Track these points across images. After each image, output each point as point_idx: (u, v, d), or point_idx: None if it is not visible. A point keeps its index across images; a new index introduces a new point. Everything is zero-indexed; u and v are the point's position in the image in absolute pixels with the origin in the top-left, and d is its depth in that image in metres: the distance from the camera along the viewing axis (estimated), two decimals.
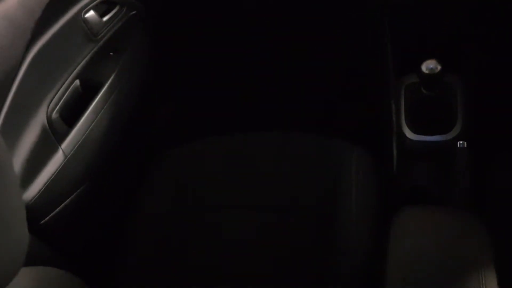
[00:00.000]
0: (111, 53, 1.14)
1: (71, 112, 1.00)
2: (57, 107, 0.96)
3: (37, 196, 0.87)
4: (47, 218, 0.91)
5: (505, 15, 1.17)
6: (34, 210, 0.87)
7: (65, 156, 0.95)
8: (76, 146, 0.98)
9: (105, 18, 1.07)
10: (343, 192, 1.00)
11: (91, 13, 1.02)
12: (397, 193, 1.16)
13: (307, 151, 1.11)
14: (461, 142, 1.08)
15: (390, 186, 1.17)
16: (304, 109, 1.46)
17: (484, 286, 0.66)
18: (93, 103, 1.03)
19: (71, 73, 0.99)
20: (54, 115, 0.95)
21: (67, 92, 0.99)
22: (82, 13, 1.00)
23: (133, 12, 1.17)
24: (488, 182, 0.96)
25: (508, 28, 1.21)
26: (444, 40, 1.19)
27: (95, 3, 1.03)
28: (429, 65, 1.05)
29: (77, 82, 1.03)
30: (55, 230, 0.94)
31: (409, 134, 1.16)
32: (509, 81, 1.29)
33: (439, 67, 1.04)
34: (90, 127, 1.02)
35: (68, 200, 0.97)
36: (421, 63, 1.06)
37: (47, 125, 0.92)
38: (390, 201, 1.12)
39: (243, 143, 1.15)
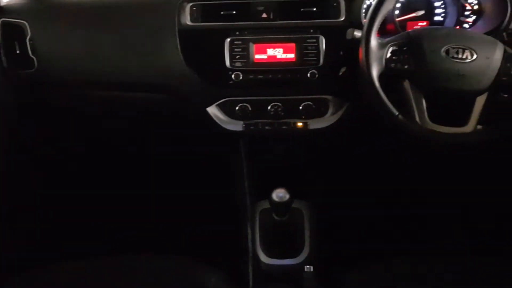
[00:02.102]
0: None
1: None
2: None
3: None
4: None
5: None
6: None
7: None
8: None
9: None
10: None
11: None
12: None
13: (165, 273, 1.09)
14: (308, 266, 1.17)
15: None
16: (164, 232, 1.46)
17: None
18: None
19: None
20: None
21: None
22: None
23: None
24: None
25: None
26: (294, 170, 1.34)
27: None
28: (278, 194, 1.16)
29: None
30: None
31: (263, 257, 1.22)
32: (353, 208, 1.48)
33: (287, 196, 1.15)
34: None
35: None
36: (272, 191, 1.16)
37: None
38: None
39: (100, 268, 1.09)
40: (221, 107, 1.22)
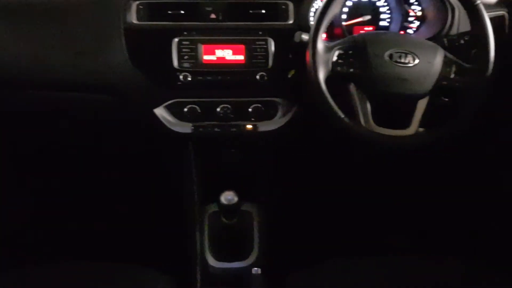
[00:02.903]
0: None
1: None
2: None
3: None
4: None
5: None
6: None
7: None
8: None
9: None
10: None
11: None
12: None
13: (111, 281, 1.05)
14: (255, 268, 1.16)
15: None
16: (109, 237, 1.42)
17: None
18: None
19: None
20: None
21: None
22: None
23: None
24: None
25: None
26: (243, 172, 1.34)
27: None
28: (227, 196, 1.14)
29: None
30: None
31: (211, 261, 1.21)
32: (302, 211, 1.49)
33: (236, 198, 1.14)
34: None
35: None
36: (221, 193, 1.15)
37: None
38: None
39: (44, 277, 1.05)
40: (169, 109, 1.19)
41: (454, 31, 1.19)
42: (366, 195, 1.57)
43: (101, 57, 1.15)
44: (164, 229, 1.42)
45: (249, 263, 1.20)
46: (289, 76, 1.17)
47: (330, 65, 1.02)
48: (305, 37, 1.08)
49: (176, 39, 1.13)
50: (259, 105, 1.20)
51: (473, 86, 1.02)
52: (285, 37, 1.14)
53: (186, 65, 1.14)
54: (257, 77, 1.16)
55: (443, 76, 1.02)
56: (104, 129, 1.38)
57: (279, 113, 1.22)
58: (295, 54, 1.13)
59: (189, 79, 1.14)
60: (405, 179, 1.57)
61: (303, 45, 1.07)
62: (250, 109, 1.19)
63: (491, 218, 1.41)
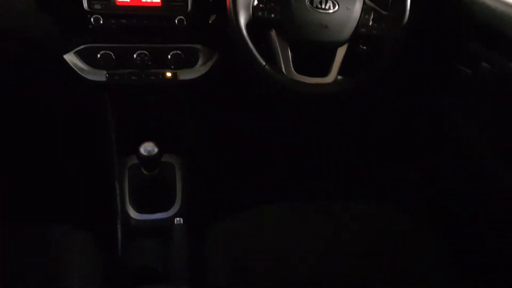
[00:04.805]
0: None
1: None
2: None
3: None
4: None
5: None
6: None
7: None
8: None
9: None
10: (66, 280, 0.92)
11: None
12: (124, 274, 1.14)
13: (24, 242, 0.99)
14: (178, 218, 1.15)
15: (116, 267, 1.14)
16: (22, 194, 1.34)
17: None
18: None
19: None
20: None
21: None
22: None
23: None
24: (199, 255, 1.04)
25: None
26: (163, 123, 1.29)
27: None
28: (147, 147, 1.11)
29: None
30: None
31: (133, 213, 1.18)
32: (225, 160, 1.48)
33: (156, 149, 1.11)
34: None
35: None
36: (140, 145, 1.11)
37: None
38: (117, 283, 1.09)
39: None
40: (80, 55, 1.10)
41: None
42: (290, 143, 1.59)
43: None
44: (81, 183, 1.36)
45: (171, 214, 1.19)
46: (210, 21, 1.12)
47: (251, 10, 0.99)
48: None
49: None
50: (178, 51, 1.14)
51: (389, 34, 1.04)
52: None
53: (97, 6, 1.05)
54: (176, 21, 1.09)
55: (361, 23, 1.03)
56: (13, 79, 1.26)
57: (200, 61, 1.17)
58: None
59: (101, 22, 1.06)
60: (328, 127, 1.61)
61: None
62: (169, 56, 1.14)
63: (407, 167, 1.49)
